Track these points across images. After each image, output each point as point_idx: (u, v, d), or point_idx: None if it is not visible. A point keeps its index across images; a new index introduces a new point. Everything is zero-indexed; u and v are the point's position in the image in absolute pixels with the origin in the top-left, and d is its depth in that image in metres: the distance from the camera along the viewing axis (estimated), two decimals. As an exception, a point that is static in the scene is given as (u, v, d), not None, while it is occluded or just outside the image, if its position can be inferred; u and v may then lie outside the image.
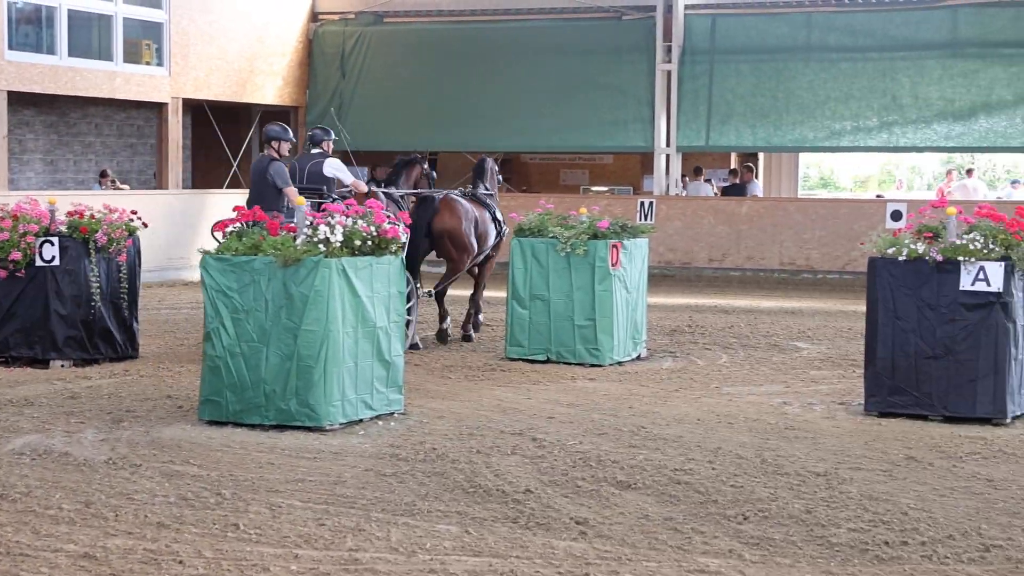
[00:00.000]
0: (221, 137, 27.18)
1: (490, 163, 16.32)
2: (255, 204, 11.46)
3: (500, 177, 16.79)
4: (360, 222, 10.06)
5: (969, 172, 28.97)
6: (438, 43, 27.89)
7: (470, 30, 27.84)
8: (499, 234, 15.82)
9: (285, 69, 27.60)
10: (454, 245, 14.98)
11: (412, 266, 14.09)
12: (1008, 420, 10.33)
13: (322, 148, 13.95)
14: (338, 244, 9.84)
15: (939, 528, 7.25)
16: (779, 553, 6.83)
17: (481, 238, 15.35)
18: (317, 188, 13.52)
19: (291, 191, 12.84)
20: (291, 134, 13.53)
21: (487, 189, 15.97)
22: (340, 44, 28.25)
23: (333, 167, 13.71)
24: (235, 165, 27.52)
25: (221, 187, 26.98)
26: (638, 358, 13.94)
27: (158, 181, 25.00)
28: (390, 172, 15.42)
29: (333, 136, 14.26)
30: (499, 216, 15.80)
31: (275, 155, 13.27)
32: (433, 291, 15.21)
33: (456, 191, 15.84)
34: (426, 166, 15.65)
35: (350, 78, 28.16)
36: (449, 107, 27.54)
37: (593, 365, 13.31)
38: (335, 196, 13.42)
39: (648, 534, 7.14)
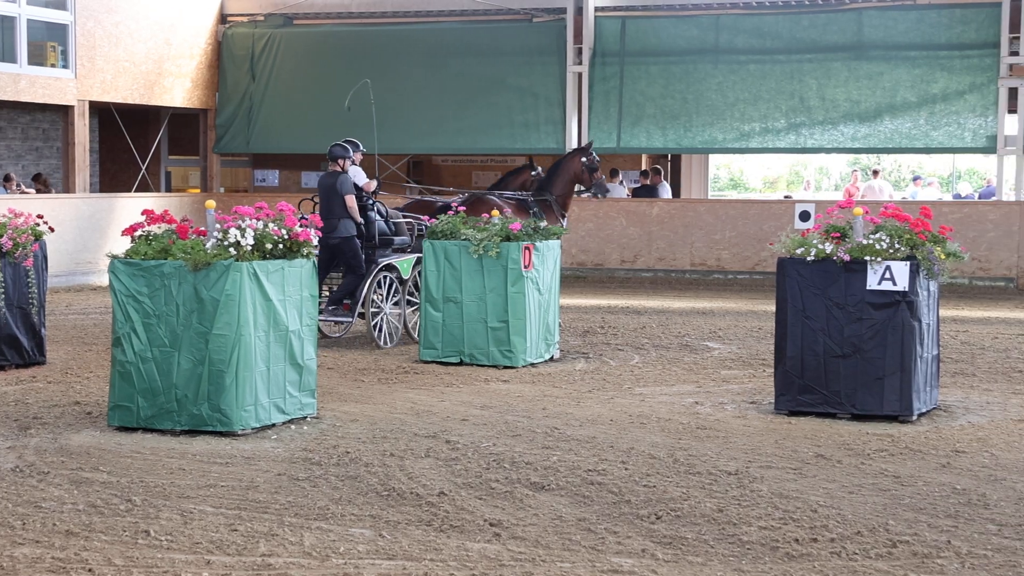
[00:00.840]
0: (129, 140, 26.85)
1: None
2: (326, 216, 14.39)
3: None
4: (271, 225, 9.99)
5: (875, 173, 29.43)
6: (348, 45, 27.77)
7: (380, 32, 27.75)
8: None
9: (194, 71, 27.32)
10: None
11: None
12: (914, 417, 10.50)
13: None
14: (249, 248, 9.76)
15: (848, 525, 7.36)
16: (691, 552, 6.88)
17: None
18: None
19: (350, 198, 14.81)
20: (351, 151, 15.19)
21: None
22: (249, 46, 28.03)
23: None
24: (143, 168, 27.20)
25: (130, 191, 26.66)
26: (551, 360, 13.99)
27: (65, 185, 24.63)
28: (501, 177, 16.92)
29: (361, 148, 15.77)
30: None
31: (339, 170, 14.96)
32: None
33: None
34: (536, 171, 16.58)
35: (260, 80, 27.96)
36: (356, 109, 27.41)
37: (506, 367, 13.34)
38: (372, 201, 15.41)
39: (562, 535, 7.17)
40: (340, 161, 14.99)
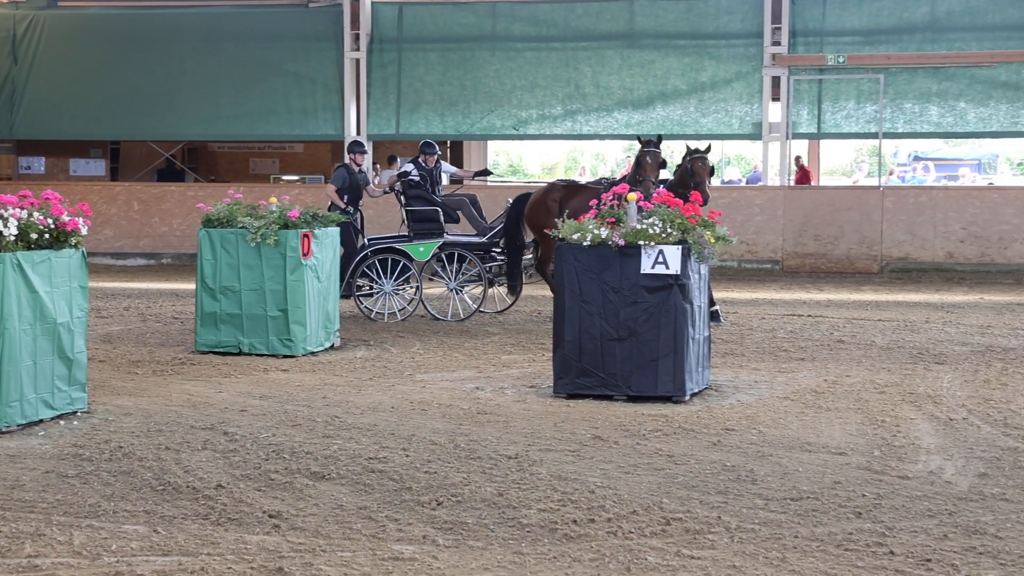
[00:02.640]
0: None
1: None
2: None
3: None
4: (36, 214, 9.63)
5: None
6: (118, 29, 27.02)
7: (152, 16, 27.07)
8: None
9: (-48, 54, 26.18)
10: None
11: None
12: (687, 398, 10.78)
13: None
14: (12, 238, 9.39)
15: (624, 504, 7.50)
16: (472, 537, 6.92)
17: None
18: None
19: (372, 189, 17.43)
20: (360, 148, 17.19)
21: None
22: (11, 28, 27.01)
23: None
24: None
25: None
26: (331, 348, 13.89)
27: None
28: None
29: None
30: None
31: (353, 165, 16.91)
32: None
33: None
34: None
35: (23, 64, 26.97)
36: (131, 95, 26.75)
37: (286, 356, 13.19)
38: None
39: (342, 524, 7.12)
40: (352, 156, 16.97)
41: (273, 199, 13.71)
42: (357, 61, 25.79)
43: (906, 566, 6.38)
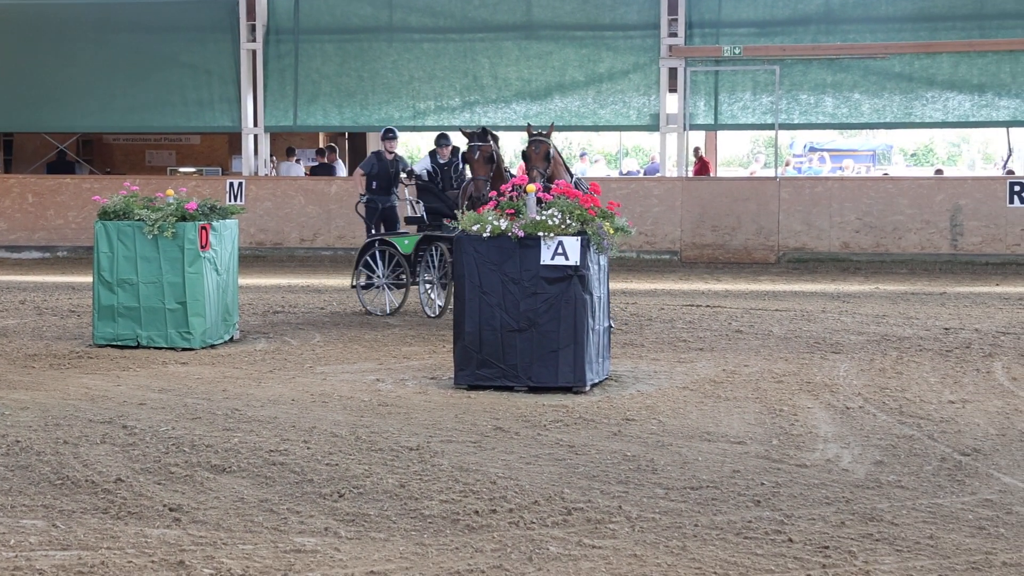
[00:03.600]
0: None
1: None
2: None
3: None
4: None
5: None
6: (6, 19, 26.51)
7: (45, 6, 26.58)
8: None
9: None
10: None
11: None
12: (587, 388, 10.86)
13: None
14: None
15: (525, 495, 7.55)
16: (374, 528, 6.93)
17: None
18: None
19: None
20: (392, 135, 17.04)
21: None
22: (-103, 17, 26.38)
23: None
24: None
25: None
26: (231, 340, 13.78)
27: None
28: None
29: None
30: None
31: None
32: None
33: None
34: None
35: (-90, 53, 26.36)
36: (24, 86, 26.27)
37: (185, 349, 13.07)
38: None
39: (244, 517, 7.09)
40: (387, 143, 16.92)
41: (170, 191, 13.56)
42: (253, 52, 25.57)
43: (804, 553, 6.50)
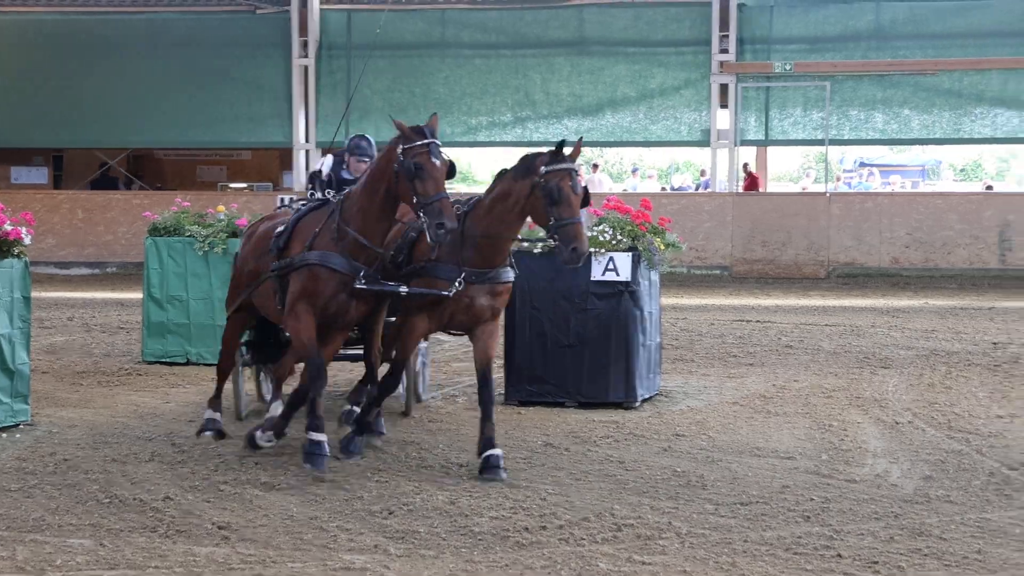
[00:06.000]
0: None
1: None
2: None
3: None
4: (-21, 224, 9.51)
5: (595, 167, 30.18)
6: (61, 33, 26.78)
7: (96, 22, 26.85)
8: None
9: None
10: None
11: None
12: (638, 403, 10.79)
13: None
14: (-45, 247, 9.26)
15: (575, 511, 7.49)
16: (424, 545, 6.88)
17: None
18: None
19: None
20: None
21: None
22: (-48, 35, 26.72)
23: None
24: None
25: None
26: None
27: None
28: None
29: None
30: None
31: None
32: None
33: None
34: None
35: (-35, 71, 26.68)
36: (75, 102, 26.50)
37: (234, 365, 13.06)
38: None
39: (293, 535, 7.06)
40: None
41: (221, 207, 13.59)
42: (305, 68, 25.70)
43: (854, 568, 6.43)
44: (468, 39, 25.76)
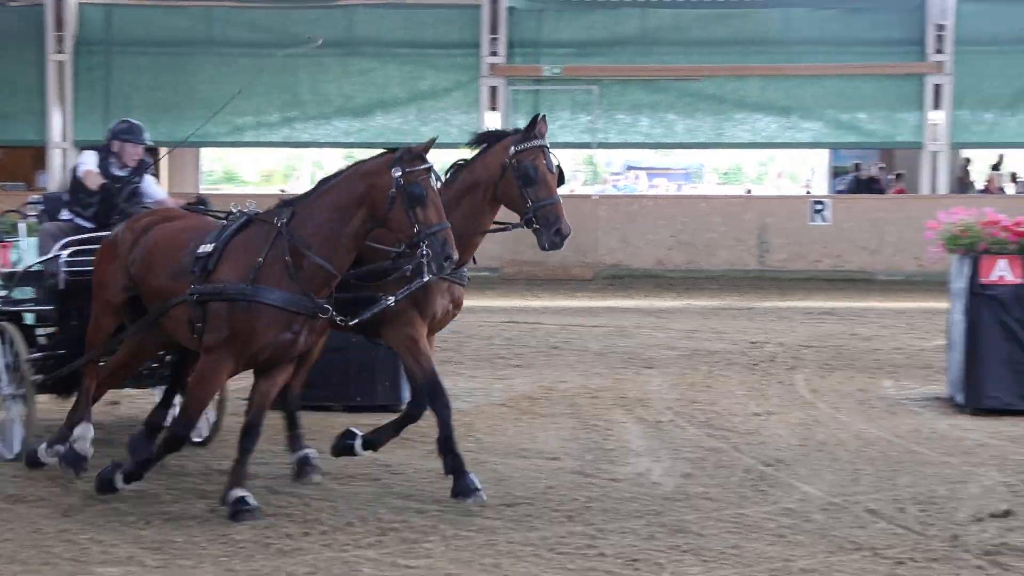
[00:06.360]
0: None
1: None
2: None
3: None
4: None
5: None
6: None
7: None
8: None
9: None
10: None
11: None
12: (403, 406, 10.70)
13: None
14: None
15: (340, 516, 7.40)
16: (182, 555, 6.69)
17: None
18: None
19: None
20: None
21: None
22: None
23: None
24: None
25: None
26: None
27: None
28: None
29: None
30: None
31: None
32: None
33: None
34: None
35: None
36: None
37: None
38: None
39: (41, 548, 6.77)
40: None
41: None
42: (61, 63, 24.83)
43: (615, 567, 6.52)
44: (235, 37, 25.32)
